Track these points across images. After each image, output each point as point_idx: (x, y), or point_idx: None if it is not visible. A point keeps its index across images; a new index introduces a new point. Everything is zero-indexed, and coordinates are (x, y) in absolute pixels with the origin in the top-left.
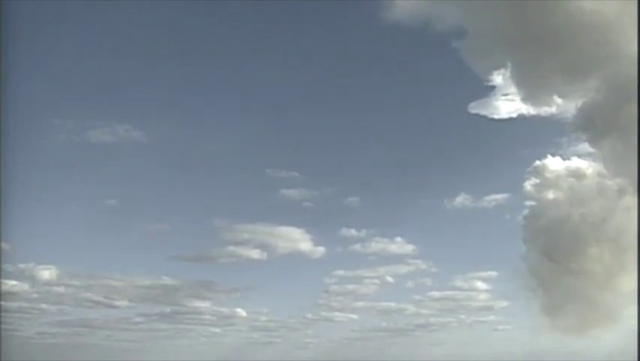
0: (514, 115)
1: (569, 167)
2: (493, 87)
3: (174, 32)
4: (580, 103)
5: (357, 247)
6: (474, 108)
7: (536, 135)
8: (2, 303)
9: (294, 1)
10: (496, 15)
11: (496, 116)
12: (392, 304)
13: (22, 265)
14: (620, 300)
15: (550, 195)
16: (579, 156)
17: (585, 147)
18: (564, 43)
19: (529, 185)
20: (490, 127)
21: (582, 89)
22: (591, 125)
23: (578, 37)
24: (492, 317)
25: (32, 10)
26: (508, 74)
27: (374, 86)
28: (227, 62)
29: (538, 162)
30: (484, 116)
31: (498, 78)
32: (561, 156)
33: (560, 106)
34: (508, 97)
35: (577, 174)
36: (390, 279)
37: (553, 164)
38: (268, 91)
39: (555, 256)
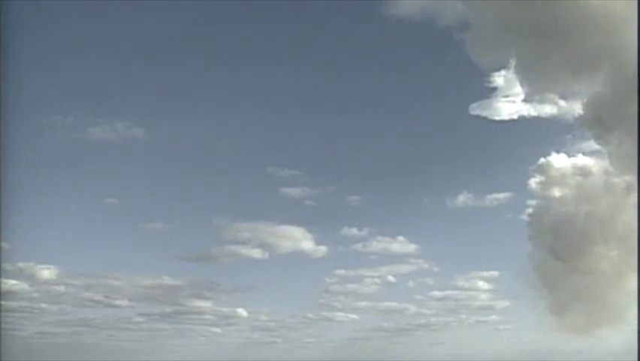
0: (515, 117)
1: (575, 164)
2: (494, 89)
3: (175, 30)
4: (586, 98)
5: (359, 246)
6: (475, 110)
7: (538, 136)
8: (2, 302)
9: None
10: (501, 8)
11: (497, 118)
12: (393, 304)
13: (22, 265)
14: (628, 299)
15: (556, 192)
16: (584, 154)
17: (589, 145)
18: (569, 37)
19: (534, 183)
20: (492, 128)
21: (588, 85)
22: (598, 121)
23: (584, 29)
24: (493, 317)
25: (32, 8)
26: (509, 75)
27: (376, 86)
28: (229, 60)
29: (543, 160)
30: (485, 118)
31: (499, 79)
32: (566, 153)
33: (561, 107)
34: (510, 98)
35: (583, 172)
36: (391, 278)
37: (559, 161)
38: (270, 89)
39: (561, 255)
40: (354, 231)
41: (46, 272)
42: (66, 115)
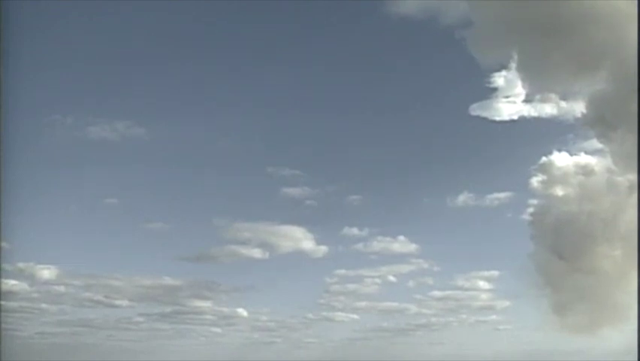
0: (516, 117)
1: (577, 163)
2: (494, 89)
3: (176, 30)
4: (589, 96)
5: (360, 246)
6: (475, 110)
7: (538, 135)
8: (2, 303)
9: None
10: (503, 6)
11: (497, 118)
12: (394, 304)
13: (22, 265)
14: (630, 298)
15: (558, 191)
16: (586, 152)
17: (592, 143)
18: (571, 35)
19: (535, 182)
20: (492, 129)
21: (589, 83)
22: (600, 119)
23: (585, 28)
24: (494, 317)
25: (32, 8)
26: (510, 75)
27: (377, 85)
28: (230, 60)
29: (544, 159)
30: (485, 118)
31: (500, 80)
32: (568, 152)
33: (561, 108)
34: (510, 99)
35: (585, 171)
36: (392, 278)
37: (561, 160)
38: (270, 88)
39: (564, 254)
40: (354, 231)
41: (46, 272)
42: (66, 115)
